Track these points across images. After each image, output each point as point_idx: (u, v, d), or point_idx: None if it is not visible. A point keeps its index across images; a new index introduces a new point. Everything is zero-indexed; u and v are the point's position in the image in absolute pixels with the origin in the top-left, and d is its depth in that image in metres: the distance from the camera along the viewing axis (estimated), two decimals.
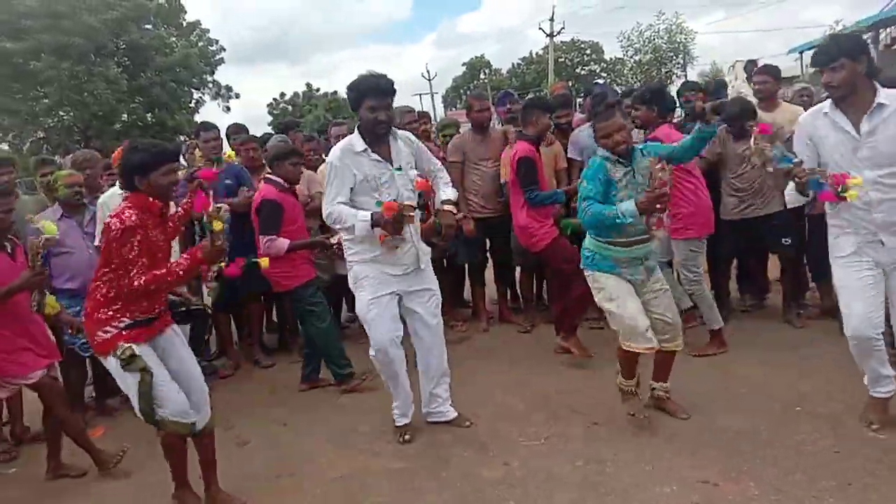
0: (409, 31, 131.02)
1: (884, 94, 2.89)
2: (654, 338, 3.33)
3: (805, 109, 5.15)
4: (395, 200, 3.26)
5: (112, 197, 4.49)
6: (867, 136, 2.91)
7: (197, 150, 5.86)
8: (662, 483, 2.95)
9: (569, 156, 5.18)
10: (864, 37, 17.29)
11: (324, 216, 3.49)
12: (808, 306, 5.05)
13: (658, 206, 3.00)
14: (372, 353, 3.57)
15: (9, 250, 3.51)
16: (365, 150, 3.35)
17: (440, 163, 3.77)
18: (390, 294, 3.49)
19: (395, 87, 3.40)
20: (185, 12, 33.68)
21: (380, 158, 3.37)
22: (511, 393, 4.13)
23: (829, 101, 3.02)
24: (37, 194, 5.21)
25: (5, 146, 29.98)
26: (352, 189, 3.37)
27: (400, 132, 3.55)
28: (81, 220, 4.44)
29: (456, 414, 3.75)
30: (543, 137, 4.78)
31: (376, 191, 3.35)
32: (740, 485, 2.86)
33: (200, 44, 33.90)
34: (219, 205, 3.11)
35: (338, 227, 3.49)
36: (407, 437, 3.62)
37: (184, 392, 2.98)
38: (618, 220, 3.13)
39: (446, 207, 3.58)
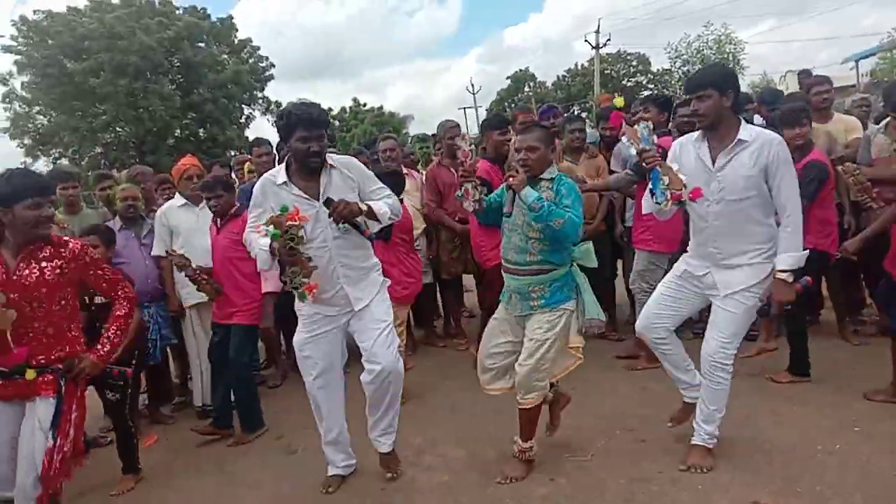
0: (456, 46, 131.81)
1: (746, 131, 2.91)
2: (494, 384, 3.43)
3: (862, 120, 5.05)
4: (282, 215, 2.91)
5: (169, 209, 4.66)
6: (718, 171, 2.94)
7: (247, 164, 6.03)
8: (711, 502, 2.89)
9: (612, 168, 5.14)
10: None
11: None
12: (866, 323, 4.88)
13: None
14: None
15: None
16: (285, 183, 3.10)
17: (382, 185, 3.33)
18: (325, 332, 3.28)
19: (329, 118, 3.20)
20: (237, 31, 34.75)
21: (303, 194, 3.07)
22: None
23: (700, 130, 3.06)
24: (98, 208, 5.42)
25: (65, 161, 31.25)
26: None
27: (340, 160, 3.25)
28: (140, 231, 4.63)
29: (387, 448, 3.45)
30: (503, 154, 4.66)
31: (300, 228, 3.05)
32: None
33: (251, 61, 34.85)
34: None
35: (248, 247, 3.25)
36: (330, 489, 3.38)
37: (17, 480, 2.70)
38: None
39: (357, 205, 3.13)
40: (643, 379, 4.33)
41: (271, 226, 2.89)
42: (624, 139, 3.06)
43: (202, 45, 32.58)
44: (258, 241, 3.05)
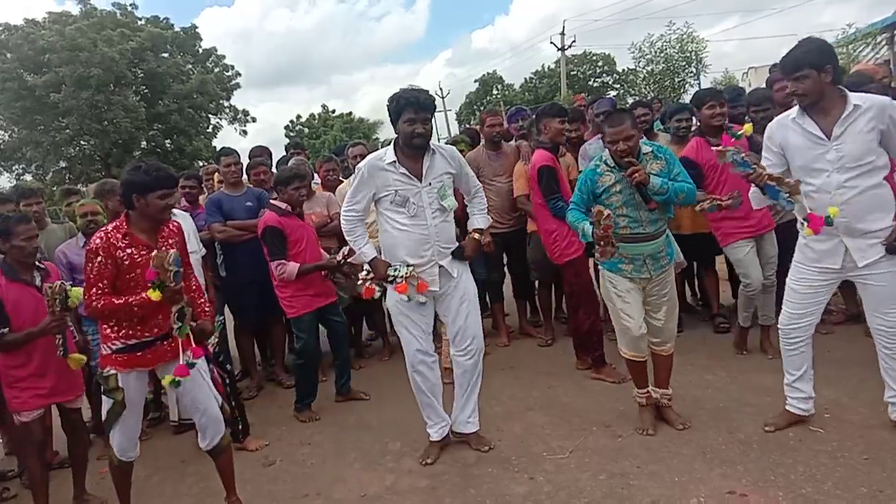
0: (425, 50, 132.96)
1: (857, 98, 2.95)
2: (642, 346, 3.55)
3: None
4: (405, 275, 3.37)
5: None
6: (835, 140, 2.95)
7: (216, 174, 5.97)
8: (689, 495, 2.93)
9: (580, 167, 5.17)
10: (880, 38, 17.22)
11: (341, 216, 3.56)
12: (833, 311, 4.98)
13: (602, 243, 3.20)
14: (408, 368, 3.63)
15: (37, 283, 3.45)
16: (393, 162, 3.33)
17: (480, 187, 3.73)
18: (419, 314, 3.54)
19: (435, 104, 3.45)
20: (201, 40, 34.34)
21: (408, 173, 3.33)
22: (534, 408, 4.13)
23: (797, 107, 3.07)
24: (64, 223, 5.31)
25: (29, 177, 30.59)
26: (378, 199, 3.41)
27: (446, 148, 3.54)
28: None
29: (477, 427, 3.71)
30: (560, 143, 4.78)
31: (403, 206, 3.35)
32: (769, 495, 2.84)
33: (217, 70, 34.45)
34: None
35: (348, 238, 3.55)
36: (429, 460, 3.59)
37: (196, 419, 3.16)
38: (580, 237, 3.49)
39: (475, 235, 3.61)
40: (619, 374, 4.36)
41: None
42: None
43: (166, 55, 32.11)
44: (364, 247, 3.49)
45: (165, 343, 3.02)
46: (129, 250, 2.89)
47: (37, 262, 3.51)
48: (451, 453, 3.67)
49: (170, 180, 2.97)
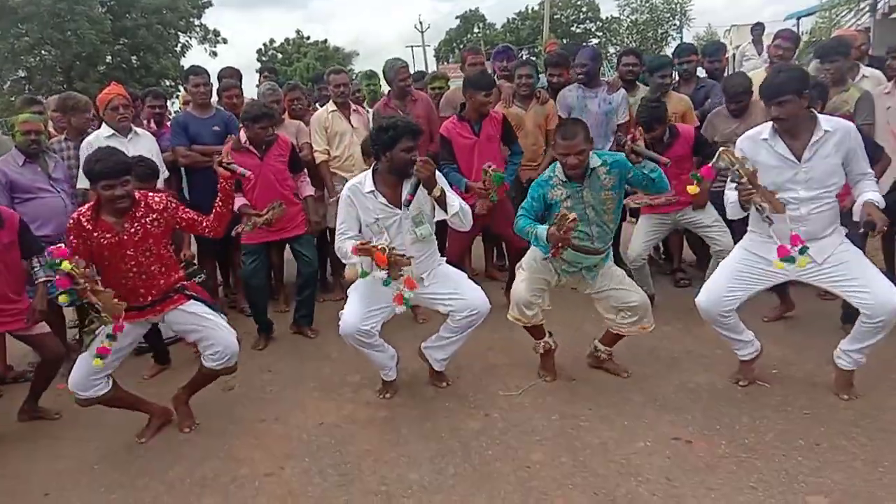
0: None
1: (827, 122, 3.05)
2: (527, 313, 3.57)
3: None
4: (384, 248, 3.12)
5: (97, 140, 4.38)
6: (805, 162, 3.05)
7: (183, 94, 5.78)
8: (637, 439, 3.04)
9: (560, 114, 5.11)
10: (863, 4, 17.19)
11: (336, 240, 3.52)
12: None
13: (560, 244, 3.16)
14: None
15: None
16: (372, 191, 3.35)
17: (462, 201, 3.49)
18: (380, 307, 3.41)
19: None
20: None
21: (386, 202, 3.35)
22: (494, 348, 4.20)
23: (769, 126, 3.13)
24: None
25: None
26: (362, 226, 3.42)
27: None
28: (46, 166, 4.24)
29: (443, 368, 3.75)
30: (484, 114, 4.59)
31: (381, 233, 3.31)
32: (712, 442, 2.96)
33: None
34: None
35: (344, 261, 3.50)
36: (387, 395, 3.67)
37: (220, 351, 3.32)
38: (532, 241, 3.43)
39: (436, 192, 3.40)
40: (577, 320, 4.44)
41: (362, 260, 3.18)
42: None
43: None
44: (349, 254, 3.30)
45: (157, 307, 3.29)
46: (95, 233, 3.10)
47: None
48: (409, 388, 3.74)
49: (108, 173, 3.03)
